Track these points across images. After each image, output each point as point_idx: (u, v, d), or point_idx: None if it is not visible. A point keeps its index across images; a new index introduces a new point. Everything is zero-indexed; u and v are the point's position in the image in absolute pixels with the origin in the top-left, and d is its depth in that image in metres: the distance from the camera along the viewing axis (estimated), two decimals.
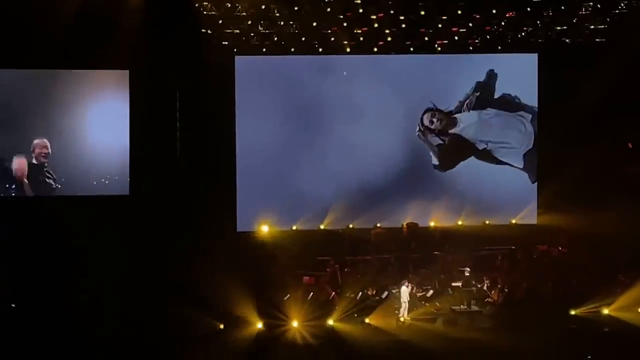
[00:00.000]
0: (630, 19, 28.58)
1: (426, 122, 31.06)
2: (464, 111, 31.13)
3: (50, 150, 28.50)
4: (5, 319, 23.66)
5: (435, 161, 31.14)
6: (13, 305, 24.57)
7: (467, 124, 31.20)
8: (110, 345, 21.71)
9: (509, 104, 31.25)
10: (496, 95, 31.10)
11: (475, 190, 30.78)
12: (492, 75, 30.99)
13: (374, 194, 30.28)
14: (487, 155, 31.31)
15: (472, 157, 31.22)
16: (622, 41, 28.55)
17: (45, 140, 28.47)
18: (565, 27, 29.16)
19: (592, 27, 28.99)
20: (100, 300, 23.82)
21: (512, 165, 31.18)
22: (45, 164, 28.48)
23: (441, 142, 31.16)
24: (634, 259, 27.08)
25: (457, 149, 31.38)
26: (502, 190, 30.84)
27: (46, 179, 28.50)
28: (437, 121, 31.18)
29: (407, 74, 30.44)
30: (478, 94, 31.03)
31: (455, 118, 31.06)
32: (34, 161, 28.46)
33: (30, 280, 25.01)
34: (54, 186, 28.51)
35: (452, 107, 30.84)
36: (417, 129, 30.93)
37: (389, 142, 30.57)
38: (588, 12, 28.83)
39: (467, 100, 31.07)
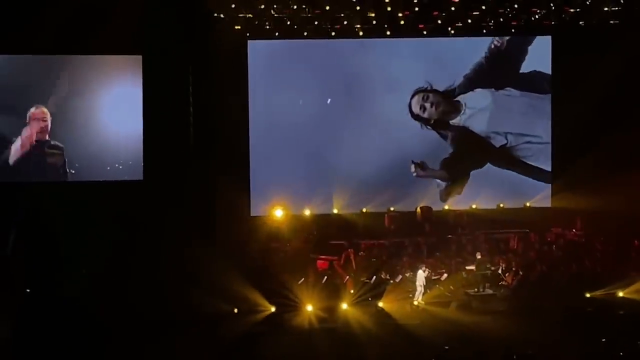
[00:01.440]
0: None
1: (416, 109, 29.29)
2: (490, 53, 28.71)
3: (49, 123, 28.36)
4: (22, 304, 23.74)
5: (440, 184, 29.37)
6: (28, 290, 24.65)
7: (477, 109, 29.54)
8: (122, 328, 21.82)
9: (538, 82, 29.69)
10: (523, 69, 29.87)
11: (490, 174, 30.63)
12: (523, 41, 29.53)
13: (387, 178, 30.21)
14: (507, 157, 29.83)
15: (488, 164, 30.12)
16: (637, 23, 28.42)
17: (44, 110, 28.32)
18: (578, 10, 28.96)
19: (605, 9, 28.81)
20: (114, 284, 23.93)
21: (542, 170, 30.22)
22: (47, 139, 28.39)
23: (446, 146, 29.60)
24: None
25: (465, 153, 29.64)
26: (516, 173, 30.69)
27: (48, 158, 28.48)
28: (431, 106, 29.11)
29: (420, 55, 30.22)
30: (507, 38, 29.14)
31: (458, 102, 29.55)
32: (34, 138, 28.36)
33: (44, 266, 25.10)
34: (62, 163, 28.51)
35: (455, 86, 29.82)
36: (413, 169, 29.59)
37: (402, 127, 30.41)
38: None
39: (494, 42, 29.21)
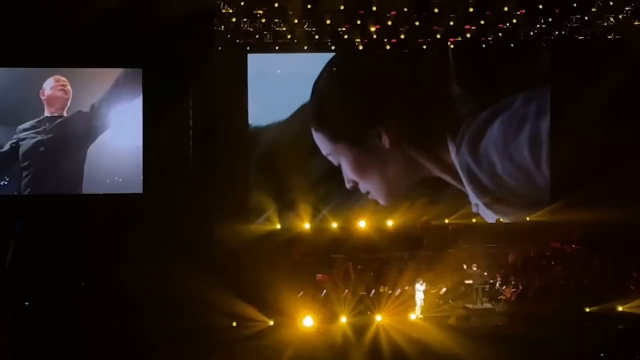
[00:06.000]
0: None
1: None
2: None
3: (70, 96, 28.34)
4: (20, 316, 23.75)
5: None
6: (27, 303, 24.66)
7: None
8: (122, 339, 21.85)
9: None
10: None
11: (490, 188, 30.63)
12: None
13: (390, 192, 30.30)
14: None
15: None
16: (635, 37, 28.52)
17: (62, 80, 28.29)
18: (577, 24, 29.02)
19: (604, 24, 28.87)
20: (113, 297, 23.97)
21: None
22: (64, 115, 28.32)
23: None
24: None
25: None
26: (516, 188, 30.68)
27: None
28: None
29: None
30: None
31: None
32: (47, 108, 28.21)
33: (42, 278, 25.13)
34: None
35: None
36: None
37: None
38: (599, 8, 28.65)
39: None
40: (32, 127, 28.07)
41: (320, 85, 29.57)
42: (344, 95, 29.45)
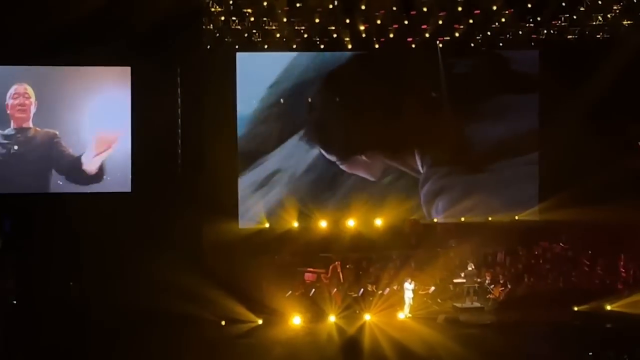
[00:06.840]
0: (630, 15, 28.59)
1: None
2: None
3: (33, 101, 28.07)
4: (7, 315, 23.69)
5: None
6: (14, 302, 24.60)
7: None
8: (111, 338, 21.81)
9: None
10: None
11: (479, 187, 30.63)
12: None
13: (375, 191, 30.27)
14: None
15: None
16: (624, 37, 28.56)
17: (25, 87, 27.99)
18: (566, 24, 29.05)
19: (593, 23, 28.91)
20: (102, 295, 23.92)
21: None
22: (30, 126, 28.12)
23: None
24: (636, 255, 27.10)
25: None
26: (505, 187, 30.70)
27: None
28: None
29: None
30: None
31: None
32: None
33: (32, 277, 25.07)
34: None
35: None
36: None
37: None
38: (588, 7, 28.68)
39: None
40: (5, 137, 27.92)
41: (309, 106, 29.95)
42: (327, 124, 29.93)
